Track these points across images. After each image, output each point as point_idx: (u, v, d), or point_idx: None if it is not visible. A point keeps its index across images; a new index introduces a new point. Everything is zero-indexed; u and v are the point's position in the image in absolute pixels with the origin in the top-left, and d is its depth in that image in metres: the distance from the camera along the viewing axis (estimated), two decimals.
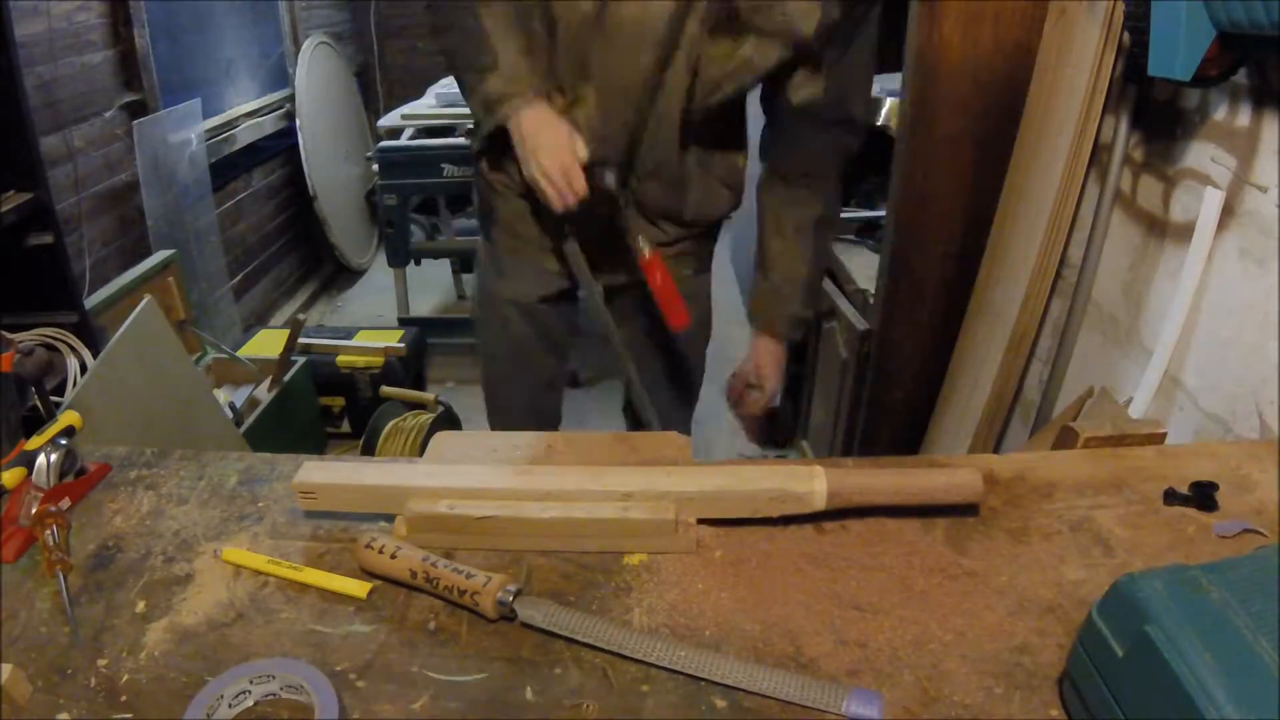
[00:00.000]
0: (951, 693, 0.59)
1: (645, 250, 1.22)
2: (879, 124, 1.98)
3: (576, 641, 0.63)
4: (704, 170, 1.27)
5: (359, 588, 0.69)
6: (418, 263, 3.16)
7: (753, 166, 1.34)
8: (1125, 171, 1.35)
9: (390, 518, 0.76)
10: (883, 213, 2.03)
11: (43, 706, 0.59)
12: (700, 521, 0.74)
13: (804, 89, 1.15)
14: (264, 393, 2.13)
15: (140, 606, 0.68)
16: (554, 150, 1.09)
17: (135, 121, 2.47)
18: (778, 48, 1.08)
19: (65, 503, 0.78)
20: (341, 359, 2.47)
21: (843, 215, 2.27)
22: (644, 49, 1.08)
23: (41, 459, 0.77)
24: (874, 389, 1.87)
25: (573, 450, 0.86)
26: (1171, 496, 0.78)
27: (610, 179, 1.16)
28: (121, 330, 1.54)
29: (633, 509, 0.72)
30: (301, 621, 0.66)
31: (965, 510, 0.77)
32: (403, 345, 2.52)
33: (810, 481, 0.73)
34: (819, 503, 0.73)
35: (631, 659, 0.61)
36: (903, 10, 1.56)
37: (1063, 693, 0.58)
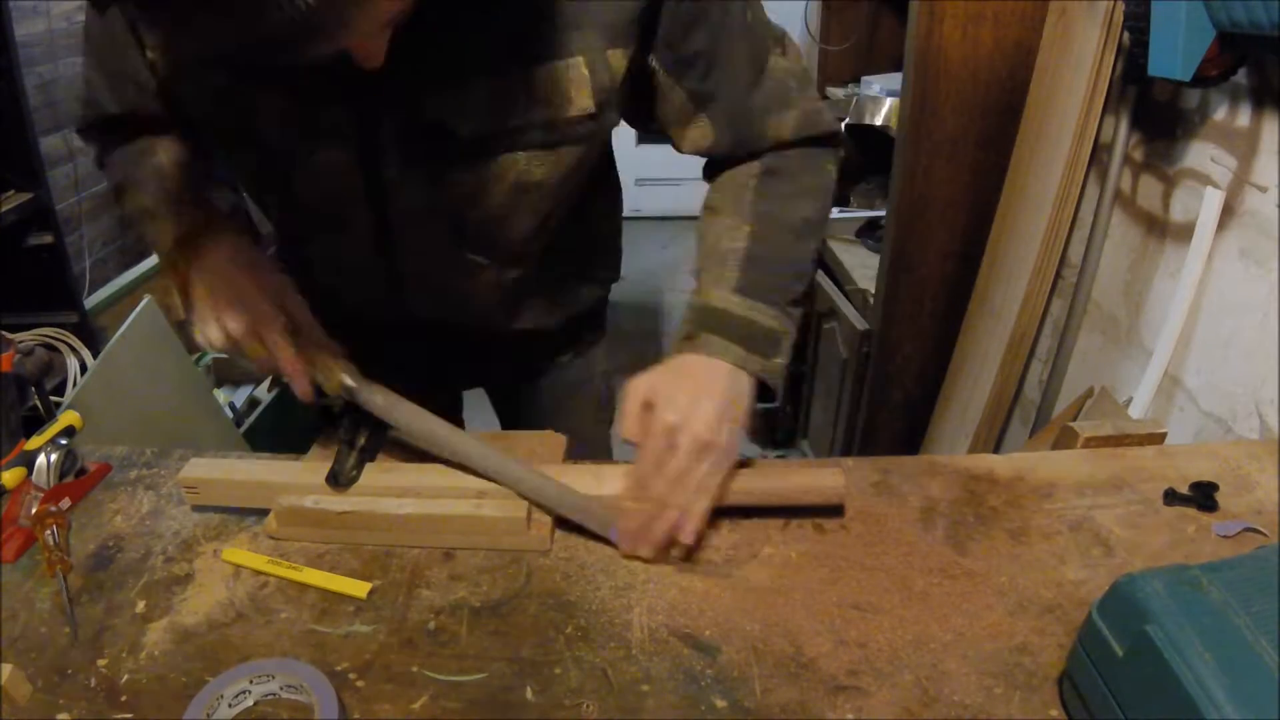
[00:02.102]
0: (951, 693, 0.59)
1: None
2: (879, 124, 1.98)
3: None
4: (554, 284, 0.97)
5: (359, 588, 0.69)
6: None
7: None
8: (1125, 171, 1.35)
9: (265, 513, 0.77)
10: (883, 213, 2.03)
11: (43, 706, 0.59)
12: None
13: (689, 138, 0.81)
14: (264, 393, 2.13)
15: (140, 606, 0.68)
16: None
17: None
18: (551, 154, 0.76)
19: (65, 503, 0.78)
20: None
21: (842, 216, 2.28)
22: (346, 218, 0.80)
23: (41, 459, 0.77)
24: (874, 389, 1.87)
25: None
26: (1171, 496, 0.78)
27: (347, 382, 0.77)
28: (121, 330, 1.55)
29: (486, 506, 0.73)
30: (301, 621, 0.66)
31: (832, 511, 0.76)
32: None
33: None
34: None
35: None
36: (903, 10, 1.57)
37: (1063, 693, 0.58)
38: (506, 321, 0.96)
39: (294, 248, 0.93)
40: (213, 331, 0.76)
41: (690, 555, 0.72)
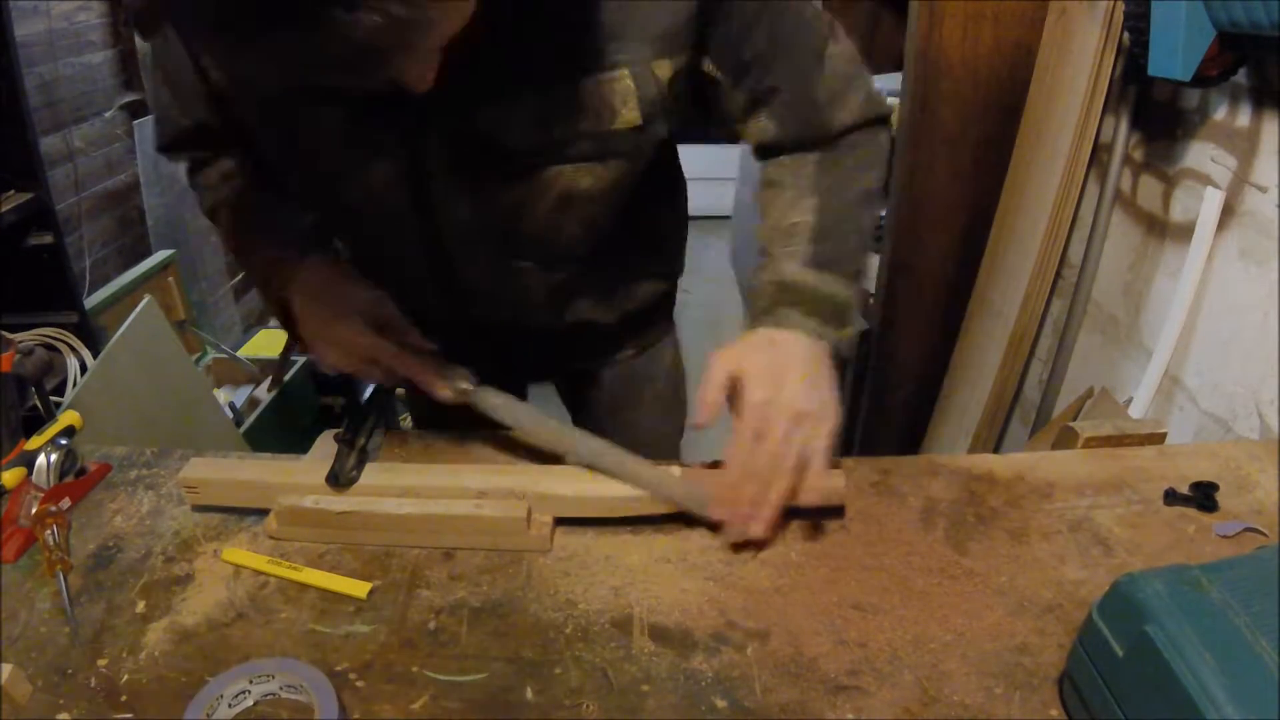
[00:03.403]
0: (951, 693, 0.59)
1: None
2: None
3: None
4: (615, 274, 0.96)
5: (359, 588, 0.69)
6: None
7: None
8: (1125, 171, 1.35)
9: (265, 513, 0.77)
10: (883, 213, 2.03)
11: (43, 706, 0.59)
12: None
13: (751, 132, 0.81)
14: (264, 393, 2.13)
15: (140, 606, 0.68)
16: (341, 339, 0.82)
17: (135, 121, 2.47)
18: (599, 166, 0.76)
19: (65, 503, 0.78)
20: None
21: None
22: (398, 229, 0.81)
23: (41, 459, 0.77)
24: (874, 389, 1.87)
25: (452, 448, 0.87)
26: (1171, 496, 0.78)
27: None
28: (121, 330, 1.55)
29: (486, 506, 0.73)
30: (301, 621, 0.66)
31: (832, 512, 0.76)
32: None
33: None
34: (665, 504, 0.74)
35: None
36: (903, 10, 1.56)
37: (1063, 693, 0.58)
38: (558, 318, 0.96)
39: (351, 256, 0.94)
40: (331, 362, 0.82)
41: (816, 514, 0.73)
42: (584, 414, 1.17)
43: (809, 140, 0.82)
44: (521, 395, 1.14)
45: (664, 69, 0.72)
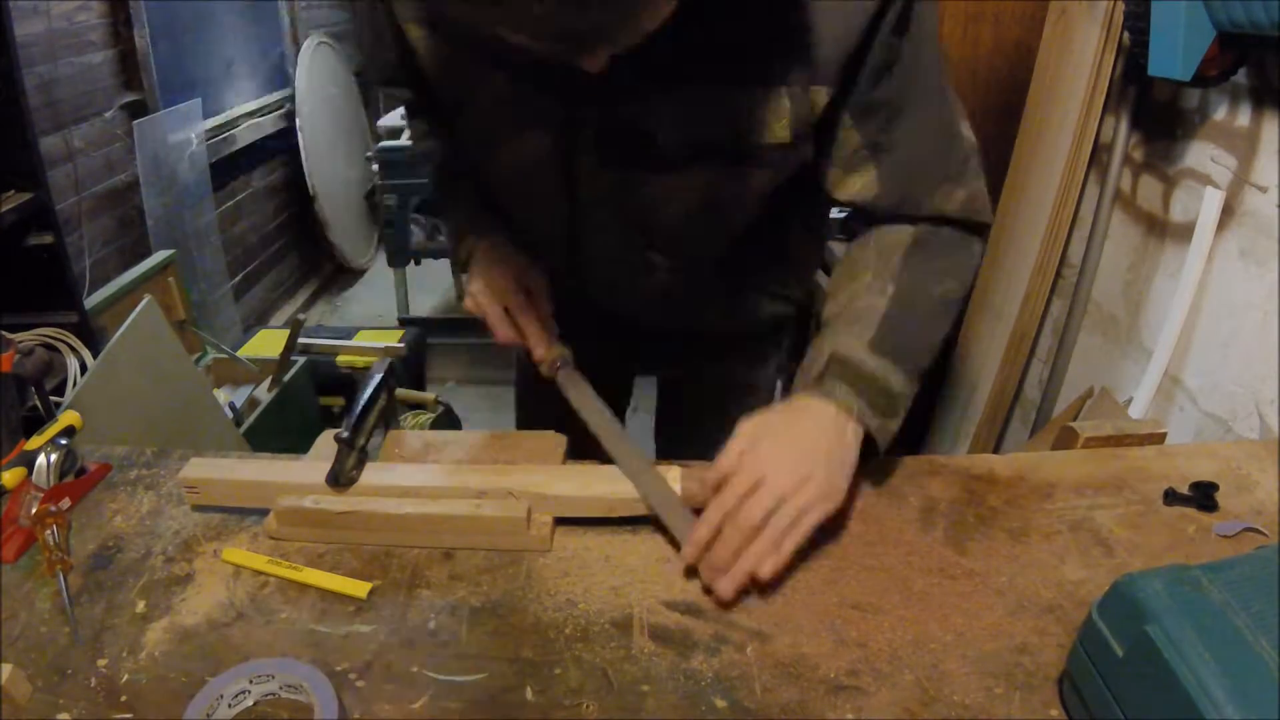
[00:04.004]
0: (951, 693, 0.59)
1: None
2: None
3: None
4: (732, 286, 0.97)
5: (359, 588, 0.69)
6: (418, 263, 3.16)
7: None
8: (1125, 171, 1.35)
9: (265, 513, 0.77)
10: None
11: (43, 706, 0.59)
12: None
13: (850, 186, 0.78)
14: (264, 393, 2.12)
15: (140, 606, 0.68)
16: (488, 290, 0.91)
17: (135, 121, 2.47)
18: (742, 173, 0.77)
19: (65, 503, 0.78)
20: (341, 359, 2.47)
21: (843, 215, 2.28)
22: (540, 199, 0.85)
23: (41, 459, 0.77)
24: None
25: (451, 448, 0.87)
26: (1171, 496, 0.78)
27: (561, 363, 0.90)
28: (121, 330, 1.54)
29: (485, 506, 0.73)
30: (301, 621, 0.66)
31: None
32: (403, 345, 2.51)
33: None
34: None
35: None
36: None
37: (1063, 693, 0.58)
38: (675, 321, 0.98)
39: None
40: (475, 293, 0.92)
41: (766, 590, 0.68)
42: (675, 414, 1.21)
43: (903, 212, 0.79)
44: (626, 386, 1.22)
45: (820, 95, 0.71)
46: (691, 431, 0.94)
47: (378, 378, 0.80)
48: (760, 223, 0.86)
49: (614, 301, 0.96)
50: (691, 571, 0.70)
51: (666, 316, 0.97)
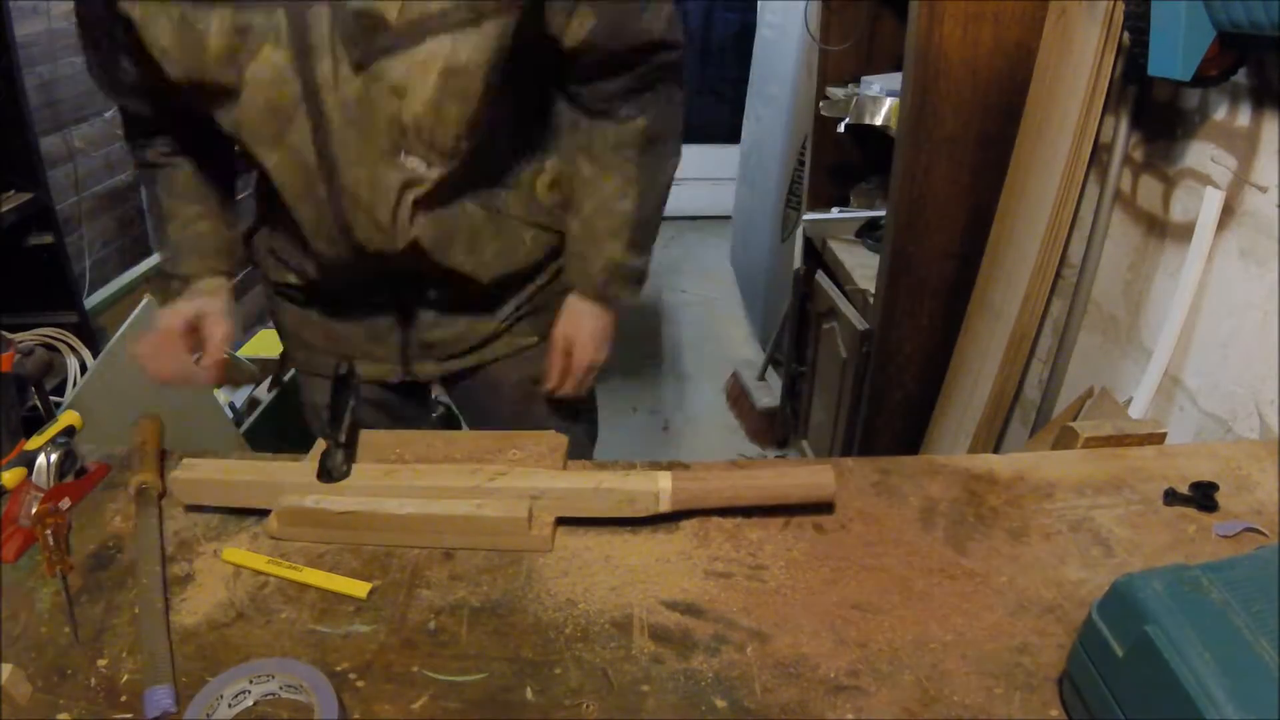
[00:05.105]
0: (951, 693, 0.59)
1: None
2: (879, 124, 1.97)
3: None
4: (489, 213, 0.99)
5: (359, 588, 0.69)
6: None
7: None
8: (1125, 171, 1.35)
9: (265, 513, 0.77)
10: (883, 213, 2.03)
11: (43, 706, 0.59)
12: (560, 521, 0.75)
13: (570, 30, 0.88)
14: (264, 393, 2.13)
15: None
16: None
17: None
18: (479, 28, 0.81)
19: (65, 503, 0.78)
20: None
21: (842, 216, 2.28)
22: (287, 128, 0.85)
23: (41, 459, 0.77)
24: (874, 389, 1.87)
25: (452, 448, 0.87)
26: (1171, 496, 0.78)
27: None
28: (121, 330, 1.55)
29: (487, 507, 0.73)
30: (301, 621, 0.66)
31: (821, 509, 0.77)
32: None
33: (655, 482, 0.75)
34: (665, 503, 0.74)
35: None
36: (903, 10, 1.56)
37: (1063, 693, 0.58)
38: (443, 255, 0.97)
39: (259, 184, 1.02)
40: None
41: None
42: (485, 419, 1.20)
43: (619, 44, 0.91)
44: (424, 398, 1.26)
45: None
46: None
47: (345, 375, 0.83)
48: (500, 112, 0.91)
49: (377, 238, 0.93)
50: (693, 570, 0.70)
51: (431, 250, 0.96)
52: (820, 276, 2.16)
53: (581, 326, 1.04)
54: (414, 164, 0.88)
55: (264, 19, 0.78)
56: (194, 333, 0.97)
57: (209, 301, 0.99)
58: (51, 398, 1.53)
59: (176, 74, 0.83)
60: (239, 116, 0.85)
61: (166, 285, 1.02)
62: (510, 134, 0.99)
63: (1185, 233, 1.18)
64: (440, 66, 0.82)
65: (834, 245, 2.17)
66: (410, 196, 0.90)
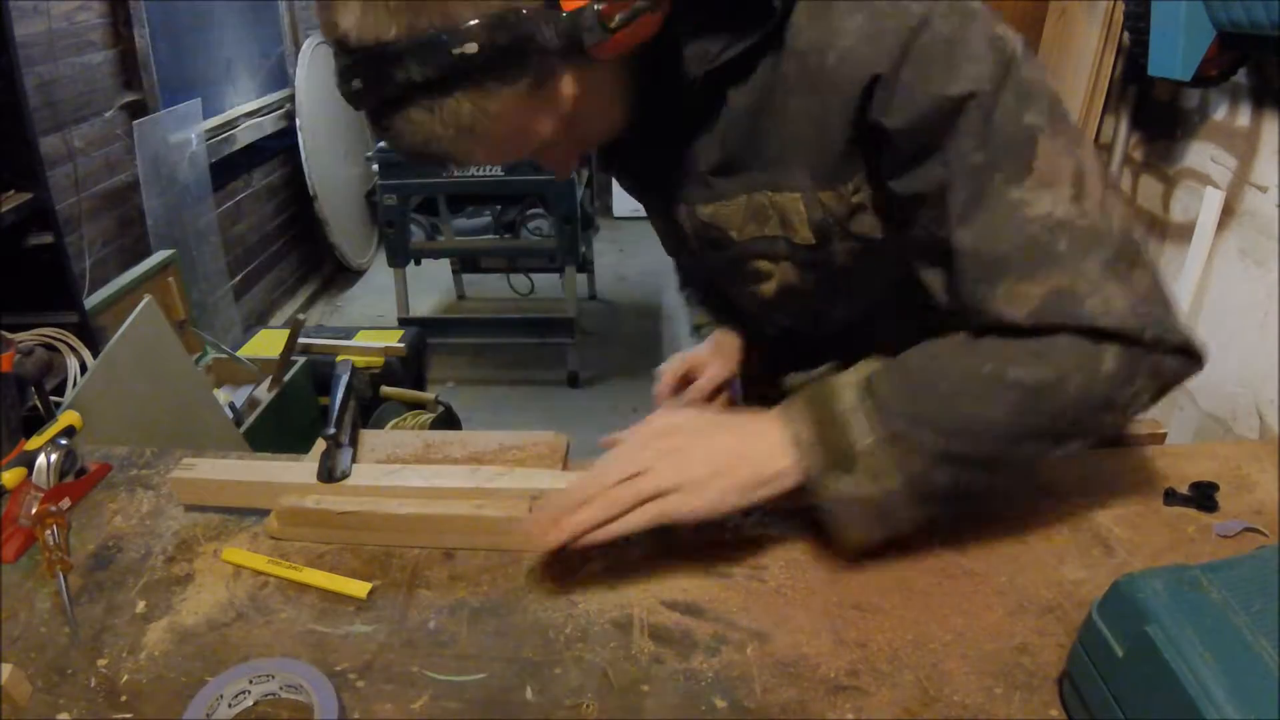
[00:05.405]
0: (951, 693, 0.59)
1: None
2: None
3: None
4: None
5: (359, 588, 0.69)
6: (418, 263, 3.17)
7: None
8: (1125, 171, 1.35)
9: (265, 513, 0.77)
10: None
11: (43, 706, 0.59)
12: None
13: (999, 307, 0.63)
14: (264, 393, 2.13)
15: (140, 606, 0.68)
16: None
17: (135, 121, 2.47)
18: (803, 267, 0.77)
19: (65, 503, 0.78)
20: (342, 359, 2.47)
21: None
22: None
23: (41, 459, 0.77)
24: None
25: (452, 448, 0.87)
26: (1171, 496, 0.78)
27: None
28: (121, 330, 1.54)
29: (486, 506, 0.73)
30: (301, 621, 0.66)
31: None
32: (403, 345, 2.52)
33: None
34: None
35: None
36: None
37: (1063, 693, 0.58)
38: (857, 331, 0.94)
39: None
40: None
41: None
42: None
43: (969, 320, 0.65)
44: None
45: (829, 198, 0.70)
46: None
47: (345, 376, 0.83)
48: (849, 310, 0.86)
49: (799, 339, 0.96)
50: (693, 570, 0.70)
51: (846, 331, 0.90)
52: None
53: (695, 430, 0.68)
54: (781, 319, 0.92)
55: (652, 199, 0.86)
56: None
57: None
58: (51, 398, 1.52)
59: None
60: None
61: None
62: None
63: (1185, 233, 1.18)
64: (776, 282, 0.81)
65: None
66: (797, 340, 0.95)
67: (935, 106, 0.60)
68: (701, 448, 0.65)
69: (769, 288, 0.82)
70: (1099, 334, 0.61)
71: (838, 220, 0.72)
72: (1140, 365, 0.62)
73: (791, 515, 0.75)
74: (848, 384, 0.66)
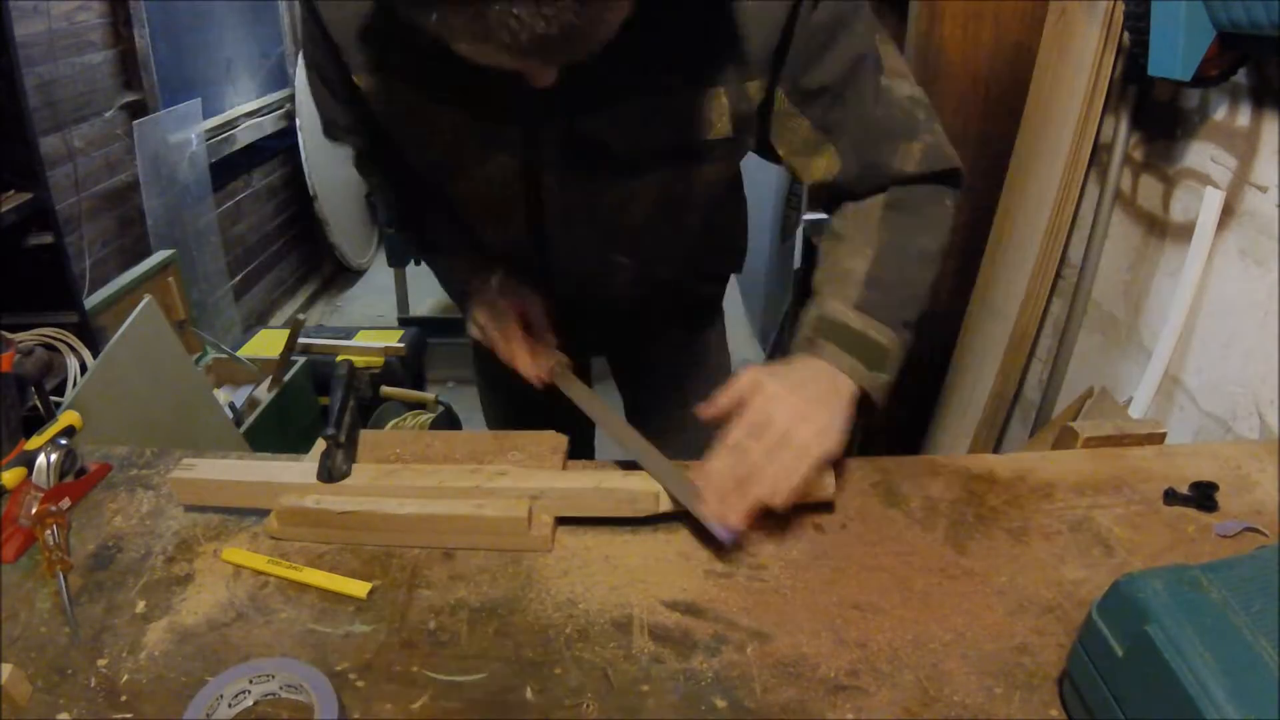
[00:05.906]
0: (951, 693, 0.59)
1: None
2: None
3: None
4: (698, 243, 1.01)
5: (359, 588, 0.69)
6: (418, 263, 3.16)
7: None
8: (1125, 171, 1.35)
9: (265, 513, 0.77)
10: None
11: (43, 706, 0.59)
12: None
13: (815, 167, 0.83)
14: (264, 393, 2.13)
15: (140, 606, 0.68)
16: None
17: (135, 121, 2.47)
18: (691, 169, 0.84)
19: (65, 503, 0.78)
20: (341, 359, 2.47)
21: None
22: (506, 216, 0.89)
23: (41, 459, 0.77)
24: None
25: (452, 448, 0.87)
26: (1171, 496, 0.78)
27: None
28: (121, 330, 1.55)
29: (486, 506, 0.73)
30: (301, 621, 0.66)
31: (821, 509, 0.77)
32: (403, 345, 2.52)
33: (655, 482, 0.75)
34: (665, 503, 0.75)
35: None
36: (903, 10, 1.56)
37: (1063, 693, 0.58)
38: (636, 307, 1.05)
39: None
40: (475, 329, 0.95)
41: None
42: (638, 395, 1.27)
43: (869, 182, 0.82)
44: (585, 367, 1.25)
45: (755, 89, 0.77)
46: (659, 405, 1.12)
47: (345, 376, 0.83)
48: (708, 215, 0.94)
49: (579, 294, 0.99)
50: (693, 570, 0.70)
51: (625, 304, 1.04)
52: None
53: (774, 375, 0.75)
54: (623, 260, 0.95)
55: (499, 131, 0.80)
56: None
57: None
58: (51, 398, 1.52)
59: (398, 140, 0.87)
60: (462, 194, 0.91)
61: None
62: (713, 239, 1.03)
63: (1185, 233, 1.18)
64: (655, 196, 0.85)
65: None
66: (617, 279, 0.97)
67: (835, 17, 0.75)
68: (806, 399, 0.74)
69: (636, 210, 0.86)
70: (948, 175, 0.83)
71: (753, 113, 0.80)
72: (954, 201, 0.86)
73: (791, 515, 0.75)
74: (841, 311, 0.79)
